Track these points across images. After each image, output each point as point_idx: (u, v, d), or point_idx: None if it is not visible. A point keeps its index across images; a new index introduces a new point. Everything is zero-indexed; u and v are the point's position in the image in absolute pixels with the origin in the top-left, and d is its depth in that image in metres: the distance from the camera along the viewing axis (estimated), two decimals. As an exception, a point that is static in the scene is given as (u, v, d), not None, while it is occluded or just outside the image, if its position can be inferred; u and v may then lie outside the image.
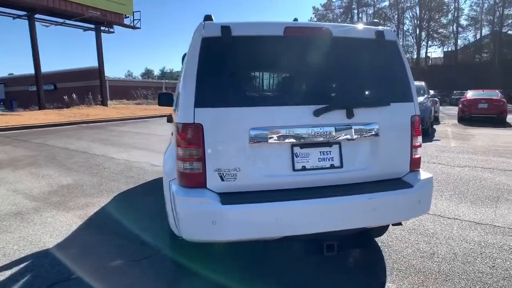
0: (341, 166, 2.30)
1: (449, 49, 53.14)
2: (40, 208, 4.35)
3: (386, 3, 56.73)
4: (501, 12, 46.11)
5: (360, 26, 2.50)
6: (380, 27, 2.51)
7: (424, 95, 10.97)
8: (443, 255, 3.04)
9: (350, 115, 2.27)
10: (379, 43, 2.43)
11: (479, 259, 2.98)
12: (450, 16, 51.14)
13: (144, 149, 8.72)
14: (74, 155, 7.97)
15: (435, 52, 74.65)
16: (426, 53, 54.56)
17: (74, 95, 25.13)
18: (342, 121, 2.28)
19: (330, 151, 2.29)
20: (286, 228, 2.10)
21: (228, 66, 2.18)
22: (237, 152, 2.15)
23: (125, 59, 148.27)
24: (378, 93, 2.47)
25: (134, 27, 27.27)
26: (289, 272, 2.81)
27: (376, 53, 2.45)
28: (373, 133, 2.36)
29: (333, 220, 2.18)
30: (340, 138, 2.29)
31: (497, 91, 15.55)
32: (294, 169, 2.23)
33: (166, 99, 4.30)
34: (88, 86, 28.75)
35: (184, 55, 3.45)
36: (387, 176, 2.44)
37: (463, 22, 51.98)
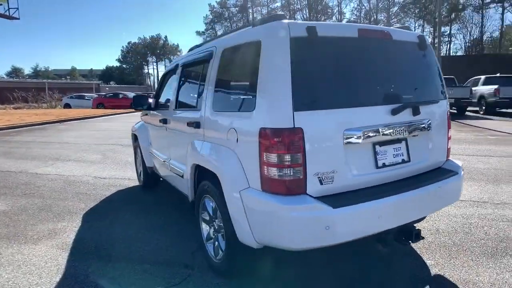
0: (409, 160, 2.49)
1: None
2: (-11, 245, 3.47)
3: (278, 4, 60.66)
4: (375, 17, 53.84)
5: (405, 30, 2.72)
6: (416, 32, 2.78)
7: None
8: (447, 230, 3.51)
9: (416, 112, 2.47)
10: (421, 46, 2.68)
11: (473, 229, 3.53)
12: (334, 18, 57.43)
13: (71, 160, 7.59)
14: (-19, 174, 6.47)
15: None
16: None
17: None
18: (409, 118, 2.47)
19: (400, 147, 2.45)
20: (387, 222, 2.21)
21: (317, 68, 2.13)
22: (334, 154, 2.14)
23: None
24: (430, 91, 2.73)
25: (10, 17, 23.11)
26: (334, 267, 2.89)
27: (421, 55, 2.70)
28: (428, 128, 2.61)
29: (418, 209, 2.39)
30: (407, 134, 2.47)
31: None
32: (377, 167, 2.33)
33: (141, 102, 4.54)
34: None
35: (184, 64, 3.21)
36: (433, 166, 2.73)
37: (345, 24, 59.07)
